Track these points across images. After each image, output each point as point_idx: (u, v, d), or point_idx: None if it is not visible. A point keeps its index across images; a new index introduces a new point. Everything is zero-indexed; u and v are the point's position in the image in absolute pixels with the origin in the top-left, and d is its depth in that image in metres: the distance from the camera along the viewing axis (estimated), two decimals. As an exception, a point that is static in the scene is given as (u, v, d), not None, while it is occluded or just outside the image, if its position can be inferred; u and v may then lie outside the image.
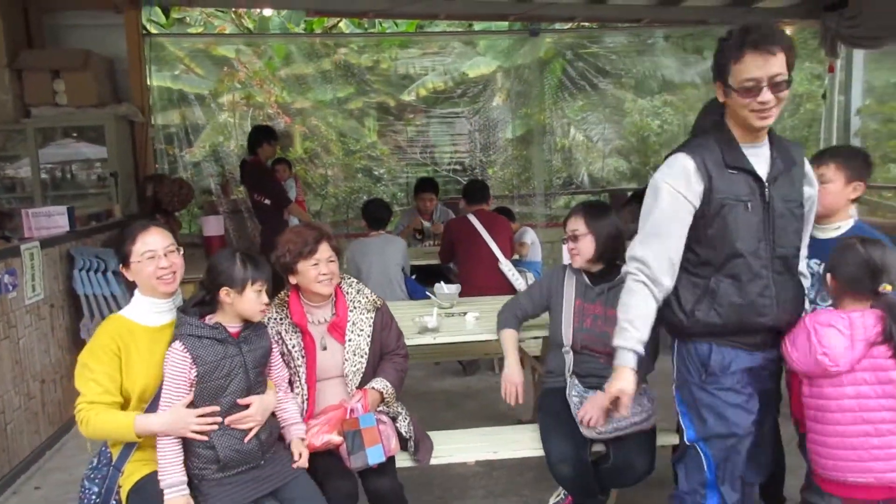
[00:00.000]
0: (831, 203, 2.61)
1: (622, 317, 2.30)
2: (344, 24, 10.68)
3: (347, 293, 2.78)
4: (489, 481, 3.54)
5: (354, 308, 2.76)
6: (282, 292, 2.78)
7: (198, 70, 8.70)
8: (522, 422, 3.75)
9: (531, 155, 8.66)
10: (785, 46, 2.10)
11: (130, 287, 2.47)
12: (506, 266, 4.69)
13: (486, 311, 3.46)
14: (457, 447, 2.99)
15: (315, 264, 2.65)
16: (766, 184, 2.23)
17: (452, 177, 8.87)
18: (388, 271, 4.72)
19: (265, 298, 2.37)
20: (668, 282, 2.27)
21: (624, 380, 2.27)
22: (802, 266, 2.42)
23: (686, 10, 6.94)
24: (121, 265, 2.42)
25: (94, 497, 2.36)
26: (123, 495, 2.34)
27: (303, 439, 2.52)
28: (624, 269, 2.38)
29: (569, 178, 9.02)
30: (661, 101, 9.34)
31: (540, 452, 2.86)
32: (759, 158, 2.25)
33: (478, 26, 9.61)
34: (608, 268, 2.93)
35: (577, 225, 2.90)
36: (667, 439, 2.87)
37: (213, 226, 5.90)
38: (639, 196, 4.93)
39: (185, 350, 2.24)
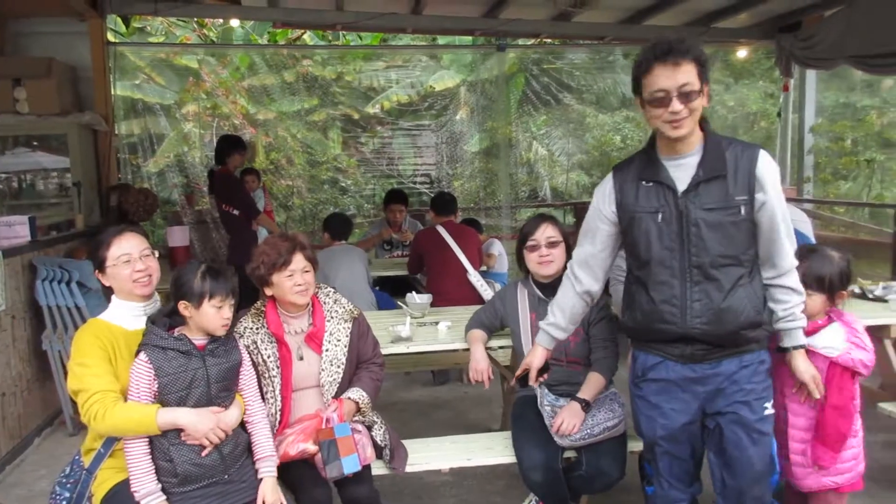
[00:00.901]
0: None
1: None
2: (308, 36, 10.68)
3: (325, 303, 2.79)
4: (461, 490, 3.56)
5: (332, 318, 2.77)
6: (258, 302, 2.78)
7: (159, 80, 8.62)
8: (492, 430, 3.79)
9: (496, 168, 8.76)
10: (694, 57, 2.10)
11: (107, 294, 2.46)
12: (474, 277, 4.74)
13: (457, 321, 3.50)
14: (431, 455, 3.02)
15: (290, 275, 2.65)
16: (679, 194, 2.20)
17: (417, 188, 8.92)
18: (355, 277, 4.75)
19: (227, 313, 2.34)
20: (586, 279, 2.47)
21: (532, 354, 2.63)
22: (790, 280, 2.29)
23: (646, 29, 7.13)
24: (96, 270, 2.41)
25: (64, 503, 2.34)
26: (96, 503, 2.32)
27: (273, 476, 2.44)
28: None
29: (533, 191, 9.15)
30: (622, 117, 9.54)
31: (513, 459, 2.91)
32: (683, 169, 2.22)
33: (442, 40, 9.68)
34: (559, 280, 2.99)
35: (553, 232, 2.98)
36: (637, 445, 2.93)
37: (179, 236, 5.83)
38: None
39: (149, 362, 2.23)
